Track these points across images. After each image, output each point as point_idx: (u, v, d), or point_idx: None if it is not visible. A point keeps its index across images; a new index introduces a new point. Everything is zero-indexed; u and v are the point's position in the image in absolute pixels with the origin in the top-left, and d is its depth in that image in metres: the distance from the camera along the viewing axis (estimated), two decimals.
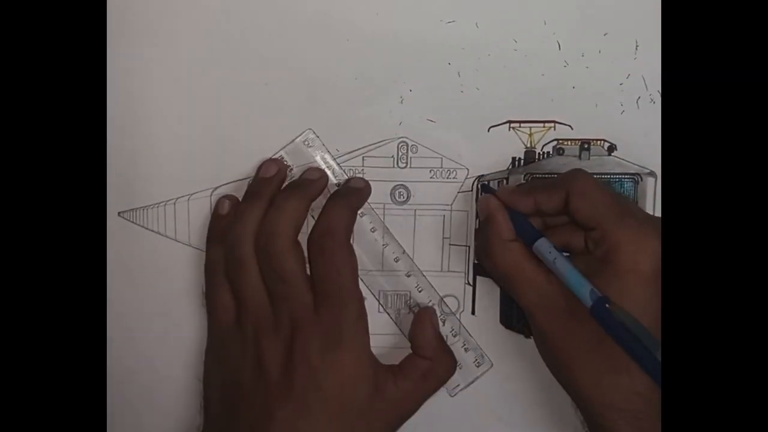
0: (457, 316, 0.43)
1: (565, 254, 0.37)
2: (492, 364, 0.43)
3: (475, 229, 0.42)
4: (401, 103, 0.42)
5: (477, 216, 0.42)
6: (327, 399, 0.37)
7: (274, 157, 0.42)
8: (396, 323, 0.43)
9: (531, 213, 0.38)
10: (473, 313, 0.43)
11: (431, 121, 0.42)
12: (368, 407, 0.38)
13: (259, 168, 0.41)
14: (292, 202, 0.39)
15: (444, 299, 0.43)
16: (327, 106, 0.42)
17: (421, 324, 0.41)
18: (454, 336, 0.43)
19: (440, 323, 0.43)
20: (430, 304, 0.43)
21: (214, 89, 0.42)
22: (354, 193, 0.41)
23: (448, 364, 0.41)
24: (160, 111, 0.42)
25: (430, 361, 0.40)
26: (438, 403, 0.43)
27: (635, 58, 0.41)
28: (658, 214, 0.42)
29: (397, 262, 0.43)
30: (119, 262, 0.43)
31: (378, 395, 0.38)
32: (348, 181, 0.42)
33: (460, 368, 0.43)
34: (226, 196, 0.42)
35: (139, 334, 0.43)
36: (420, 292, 0.43)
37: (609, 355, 0.34)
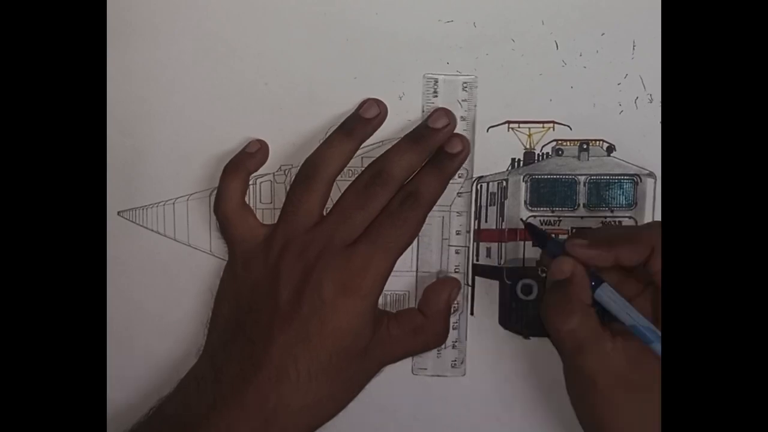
0: (456, 315, 0.43)
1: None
2: (464, 374, 0.43)
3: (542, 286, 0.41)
4: (401, 102, 0.42)
5: (541, 271, 0.42)
6: (328, 335, 0.38)
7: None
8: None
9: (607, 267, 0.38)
10: (472, 313, 0.43)
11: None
12: (363, 351, 0.39)
13: (361, 105, 0.41)
14: (410, 156, 0.40)
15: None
16: (327, 106, 0.42)
17: (441, 286, 0.41)
18: (454, 328, 0.43)
19: (455, 304, 0.42)
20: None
21: (214, 89, 0.42)
22: (450, 162, 0.41)
23: (440, 331, 0.41)
24: (160, 111, 0.42)
25: (425, 319, 0.41)
26: (437, 404, 0.43)
27: (633, 58, 0.41)
28: (658, 214, 0.42)
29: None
30: (119, 262, 0.43)
31: (373, 339, 0.39)
32: (448, 142, 0.41)
33: (438, 357, 0.43)
34: (257, 140, 0.42)
35: (139, 334, 0.43)
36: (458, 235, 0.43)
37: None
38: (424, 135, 0.41)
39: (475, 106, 0.42)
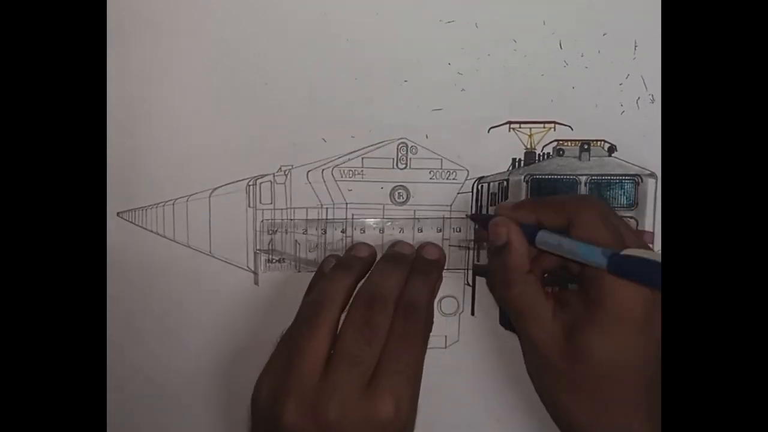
0: (456, 315, 0.43)
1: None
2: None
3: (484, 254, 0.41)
4: (401, 103, 0.42)
5: (474, 243, 0.43)
6: None
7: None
8: None
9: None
10: (472, 313, 0.43)
11: (431, 121, 0.42)
12: None
13: (352, 248, 0.42)
14: (395, 275, 0.39)
15: (443, 300, 0.43)
16: (327, 106, 0.42)
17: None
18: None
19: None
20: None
21: (214, 89, 0.42)
22: (432, 268, 0.40)
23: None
24: (159, 111, 0.42)
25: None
26: (436, 404, 0.43)
27: (634, 59, 0.41)
28: (659, 215, 0.42)
29: None
30: (118, 262, 0.43)
31: None
32: (421, 248, 0.41)
33: None
34: (332, 256, 0.42)
35: (139, 334, 0.43)
36: None
37: (607, 396, 0.35)
38: (402, 255, 0.41)
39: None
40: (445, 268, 0.43)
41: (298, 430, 0.34)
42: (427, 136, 0.42)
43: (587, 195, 0.40)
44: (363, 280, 0.39)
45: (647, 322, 0.35)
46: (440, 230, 0.43)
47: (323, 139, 0.42)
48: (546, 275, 0.39)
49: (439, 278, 0.41)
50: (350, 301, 0.38)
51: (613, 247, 0.35)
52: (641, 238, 0.40)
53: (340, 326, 0.37)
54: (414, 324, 0.37)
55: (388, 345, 0.36)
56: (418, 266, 0.40)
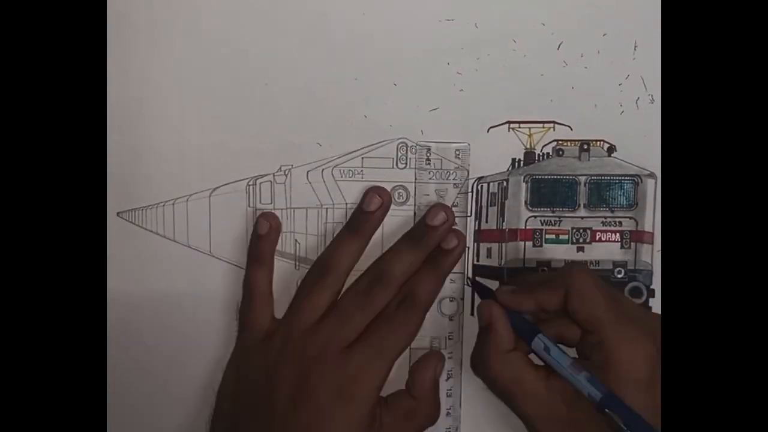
0: (457, 318, 0.43)
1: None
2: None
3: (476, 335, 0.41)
4: (400, 103, 0.42)
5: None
6: None
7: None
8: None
9: (532, 312, 0.39)
10: (472, 314, 0.43)
11: (430, 121, 0.42)
12: None
13: (364, 196, 0.42)
14: (409, 257, 0.40)
15: (443, 301, 0.43)
16: (327, 106, 0.42)
17: (425, 364, 0.41)
18: (448, 395, 0.43)
19: (443, 375, 0.42)
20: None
21: (214, 89, 0.42)
22: (447, 259, 0.41)
23: (431, 412, 0.41)
24: (159, 111, 0.42)
25: (415, 402, 0.40)
26: None
27: (634, 59, 0.41)
28: (658, 215, 0.42)
29: None
30: (118, 262, 0.43)
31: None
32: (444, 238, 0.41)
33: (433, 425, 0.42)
34: (264, 215, 0.42)
35: (139, 334, 0.43)
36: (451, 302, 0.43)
37: None
38: (422, 234, 0.40)
39: (468, 173, 0.42)
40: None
41: (284, 374, 0.38)
42: (426, 136, 0.42)
43: (577, 262, 0.41)
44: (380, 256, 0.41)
45: (652, 380, 0.35)
46: None
47: (318, 143, 0.42)
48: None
49: (461, 254, 0.41)
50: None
51: (615, 307, 0.36)
52: (638, 304, 0.40)
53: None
54: (404, 314, 0.39)
55: (373, 322, 0.39)
56: (434, 257, 0.41)
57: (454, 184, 0.42)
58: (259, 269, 0.42)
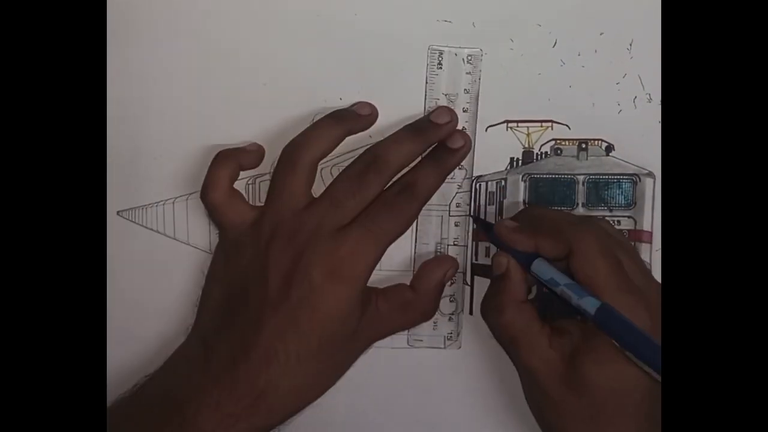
0: (456, 316, 0.43)
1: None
2: (460, 347, 0.43)
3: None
4: (400, 103, 0.42)
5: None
6: (317, 321, 0.37)
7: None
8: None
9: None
10: (471, 313, 0.43)
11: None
12: (351, 333, 0.38)
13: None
14: (408, 146, 0.40)
15: (442, 300, 0.43)
16: (326, 106, 0.42)
17: (437, 265, 0.41)
18: (451, 301, 0.43)
19: (450, 281, 0.42)
20: None
21: (214, 89, 0.42)
22: (451, 157, 0.41)
23: (429, 309, 0.41)
24: (159, 111, 0.42)
25: (415, 295, 0.40)
26: (436, 403, 0.43)
27: (631, 57, 0.41)
28: (657, 214, 0.42)
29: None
30: (118, 261, 0.43)
31: (361, 318, 0.39)
32: (450, 137, 0.41)
33: (434, 329, 0.43)
34: (256, 143, 0.42)
35: (139, 334, 0.43)
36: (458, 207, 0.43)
37: (606, 425, 0.36)
38: (425, 127, 0.40)
39: (479, 89, 0.42)
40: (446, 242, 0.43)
41: (276, 255, 0.38)
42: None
43: (586, 219, 0.40)
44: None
45: None
46: (439, 229, 0.43)
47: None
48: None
49: (465, 155, 0.41)
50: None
51: (617, 274, 0.37)
52: (644, 268, 0.40)
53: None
54: (404, 200, 0.39)
55: (370, 206, 0.39)
56: (437, 152, 0.41)
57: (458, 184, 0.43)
58: (226, 168, 0.41)
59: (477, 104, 0.42)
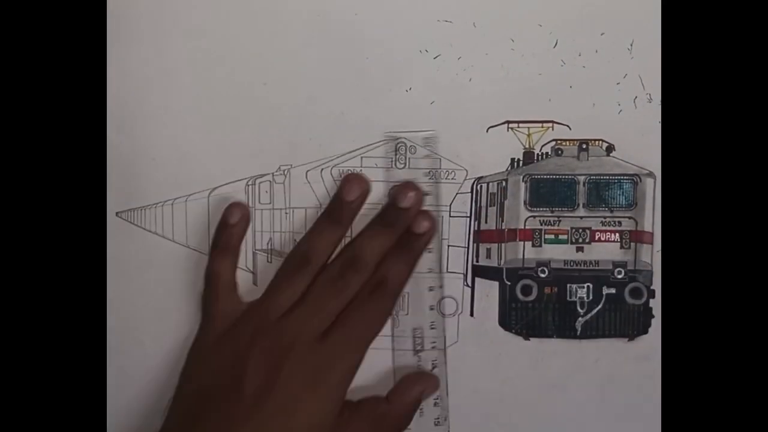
0: (456, 316, 0.43)
1: None
2: (448, 431, 0.43)
3: None
4: (400, 103, 0.42)
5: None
6: (290, 430, 0.37)
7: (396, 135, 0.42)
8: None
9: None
10: (471, 314, 0.43)
11: (429, 121, 0.42)
12: None
13: (342, 186, 0.41)
14: (381, 240, 0.40)
15: (442, 301, 0.43)
16: (326, 106, 0.42)
17: (416, 381, 0.42)
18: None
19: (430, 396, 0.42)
20: (433, 305, 0.43)
21: (213, 89, 0.42)
22: (417, 243, 0.41)
23: (402, 422, 0.41)
24: (159, 111, 0.42)
25: (389, 407, 0.41)
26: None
27: (632, 58, 0.41)
28: (658, 215, 0.42)
29: None
30: (117, 262, 0.43)
31: (333, 430, 0.39)
32: (415, 221, 0.41)
33: (420, 416, 0.42)
34: (235, 205, 0.42)
35: (139, 334, 0.43)
36: (431, 291, 0.43)
37: None
38: (392, 217, 0.41)
39: (440, 161, 0.42)
40: (447, 270, 0.43)
41: (254, 363, 0.38)
42: (425, 136, 0.42)
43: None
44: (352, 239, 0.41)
45: None
46: (439, 230, 0.43)
47: (318, 143, 0.42)
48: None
49: (432, 236, 0.41)
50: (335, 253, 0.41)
51: None
52: None
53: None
54: (375, 302, 0.40)
55: (347, 309, 0.39)
56: (405, 241, 0.41)
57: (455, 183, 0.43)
58: (225, 259, 0.42)
59: (438, 192, 0.42)
